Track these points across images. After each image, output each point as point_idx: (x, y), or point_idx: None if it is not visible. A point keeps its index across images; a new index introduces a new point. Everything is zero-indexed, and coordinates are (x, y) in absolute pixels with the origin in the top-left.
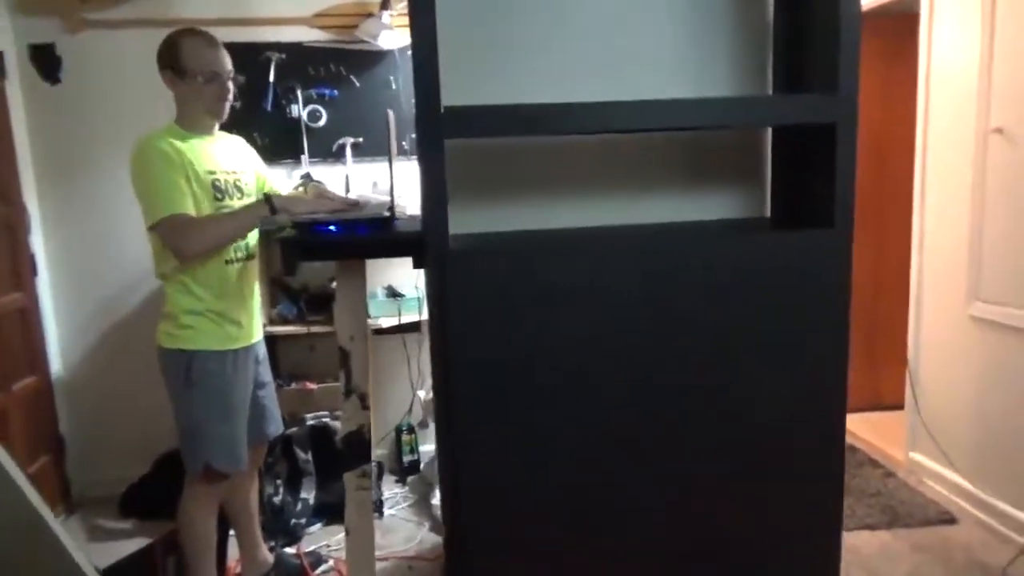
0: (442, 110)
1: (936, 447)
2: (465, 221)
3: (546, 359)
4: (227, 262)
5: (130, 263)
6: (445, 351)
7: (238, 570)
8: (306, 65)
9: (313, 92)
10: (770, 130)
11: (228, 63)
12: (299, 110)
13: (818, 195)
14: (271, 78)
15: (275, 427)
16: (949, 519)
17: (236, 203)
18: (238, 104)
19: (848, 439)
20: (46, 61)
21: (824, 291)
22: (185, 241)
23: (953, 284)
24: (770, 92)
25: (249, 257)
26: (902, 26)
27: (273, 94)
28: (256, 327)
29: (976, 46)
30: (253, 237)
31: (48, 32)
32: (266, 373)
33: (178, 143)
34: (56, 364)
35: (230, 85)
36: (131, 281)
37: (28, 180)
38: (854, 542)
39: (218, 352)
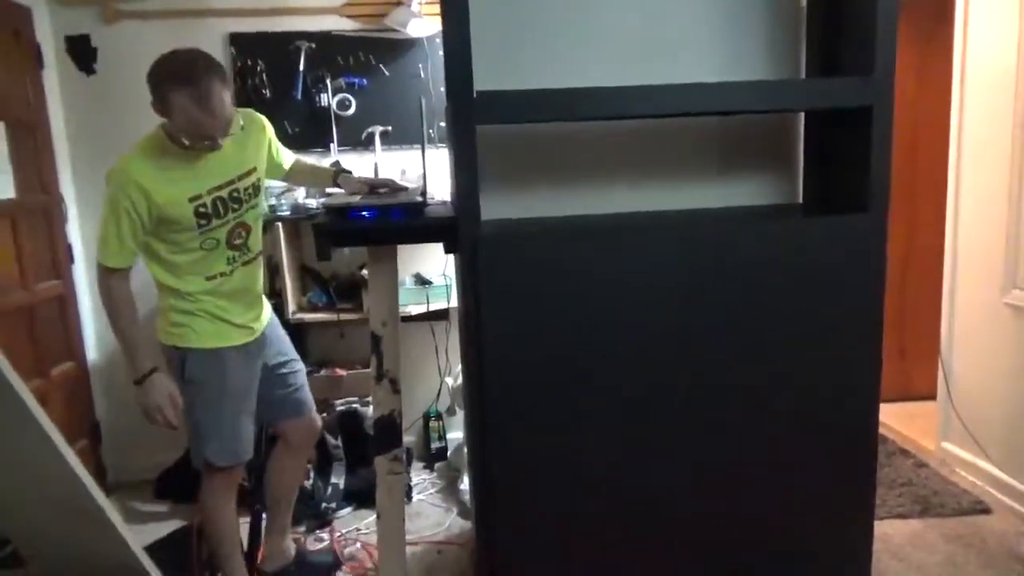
0: (475, 95)
1: (969, 437)
2: (496, 207)
3: (578, 344)
4: (208, 279)
5: None
6: (476, 336)
7: None
8: (335, 54)
9: (342, 81)
10: (802, 115)
11: (222, 123)
12: (328, 99)
13: (851, 180)
14: (301, 67)
15: (294, 408)
16: (983, 509)
17: (231, 216)
18: (267, 92)
19: (879, 430)
20: (82, 52)
21: (858, 276)
22: (100, 293)
23: (989, 272)
24: (803, 76)
25: (248, 262)
26: (935, 9)
27: (303, 83)
28: (259, 321)
29: (1014, 27)
30: (256, 240)
31: (84, 23)
32: (278, 355)
33: (158, 169)
34: (92, 351)
35: (220, 141)
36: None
37: (65, 170)
38: (886, 531)
39: (213, 351)
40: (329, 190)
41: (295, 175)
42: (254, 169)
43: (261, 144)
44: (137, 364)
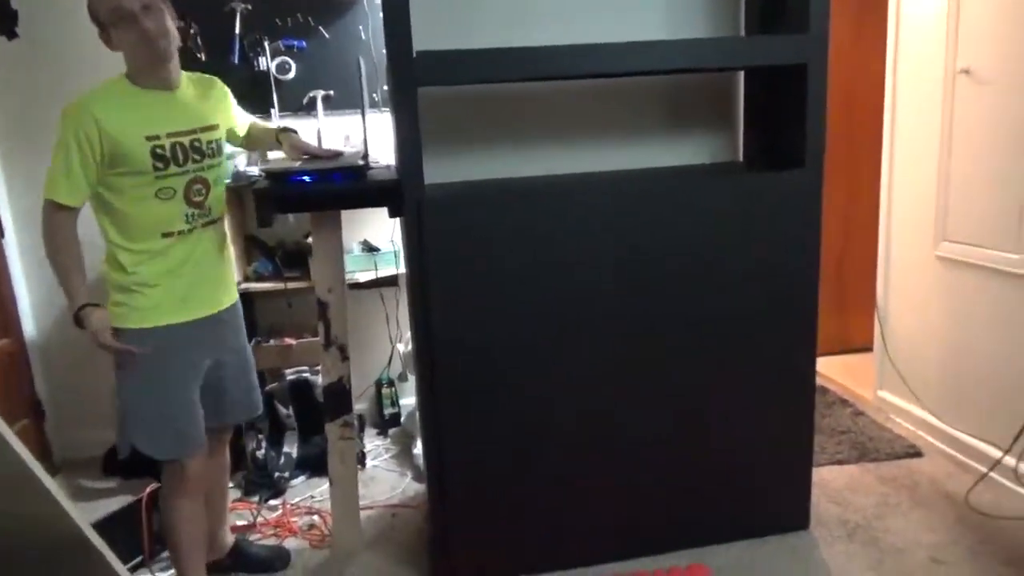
0: (415, 55)
1: (904, 385)
2: (442, 171)
3: (525, 303)
4: (165, 235)
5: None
6: (423, 299)
7: None
8: (273, 16)
9: (281, 44)
10: (742, 75)
11: (163, 21)
12: (267, 63)
13: (788, 137)
14: (237, 30)
15: (239, 412)
16: (915, 452)
17: (192, 167)
18: (202, 56)
19: (819, 381)
20: (2, 15)
21: (796, 229)
22: (44, 234)
23: (921, 225)
24: (743, 35)
25: (209, 223)
26: None
27: (239, 47)
28: (216, 297)
29: None
30: (218, 200)
31: None
32: (228, 351)
33: (114, 105)
34: (29, 327)
35: (147, 22)
36: (100, 242)
37: None
38: (824, 476)
39: (148, 330)
40: (271, 153)
41: (251, 139)
42: (217, 126)
43: (223, 105)
44: (75, 300)
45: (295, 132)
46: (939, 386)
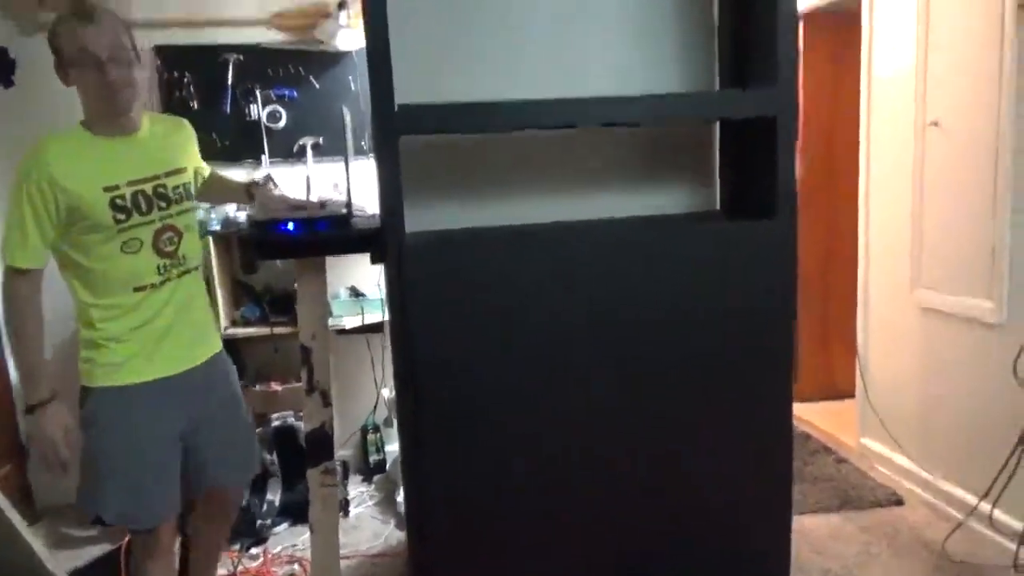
0: (396, 108)
1: (885, 432)
2: (424, 219)
3: (503, 350)
4: (136, 289)
5: None
6: (404, 345)
7: None
8: (265, 66)
9: (272, 93)
10: (718, 125)
11: (102, 35)
12: (258, 111)
13: (761, 187)
14: (229, 80)
15: (233, 473)
16: (897, 500)
17: (158, 215)
18: (194, 104)
19: (803, 427)
20: (0, 64)
21: (770, 279)
22: (2, 299)
23: (898, 272)
24: (717, 88)
25: (184, 272)
26: (849, 23)
27: (232, 96)
28: (191, 353)
29: (912, 42)
30: (193, 247)
31: (1, 35)
32: (212, 406)
33: (67, 157)
34: (15, 373)
35: (112, 72)
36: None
37: None
38: (807, 524)
39: (116, 388)
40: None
41: (209, 189)
42: (184, 170)
43: (188, 148)
44: (33, 387)
45: (264, 184)
46: (918, 433)
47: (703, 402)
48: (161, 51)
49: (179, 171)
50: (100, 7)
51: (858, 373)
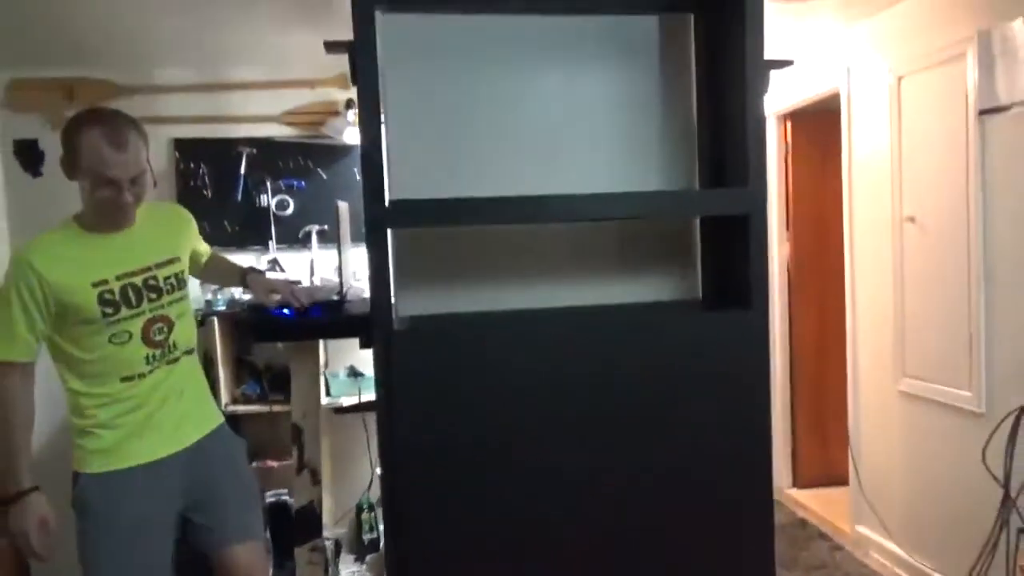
0: (387, 203)
1: (877, 519)
2: (419, 303)
3: (486, 433)
4: (124, 379)
5: None
6: (389, 425)
7: None
8: (276, 159)
9: (282, 183)
10: (699, 219)
11: (129, 165)
12: (268, 199)
13: (737, 279)
14: (242, 170)
15: (229, 543)
16: None
17: (147, 306)
18: (208, 193)
19: (800, 513)
20: (29, 155)
21: (746, 366)
22: None
23: (883, 361)
24: (697, 185)
25: (173, 360)
26: (834, 119)
27: (244, 185)
28: (180, 434)
29: (886, 141)
30: (185, 335)
31: (32, 128)
32: (211, 484)
33: (56, 254)
34: None
35: (126, 195)
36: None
37: (3, 263)
38: None
39: (106, 475)
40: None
41: (209, 271)
42: (177, 259)
43: (185, 236)
44: (13, 479)
45: (262, 272)
46: (906, 520)
47: (681, 487)
48: (179, 143)
49: (171, 261)
50: (130, 128)
51: (851, 460)
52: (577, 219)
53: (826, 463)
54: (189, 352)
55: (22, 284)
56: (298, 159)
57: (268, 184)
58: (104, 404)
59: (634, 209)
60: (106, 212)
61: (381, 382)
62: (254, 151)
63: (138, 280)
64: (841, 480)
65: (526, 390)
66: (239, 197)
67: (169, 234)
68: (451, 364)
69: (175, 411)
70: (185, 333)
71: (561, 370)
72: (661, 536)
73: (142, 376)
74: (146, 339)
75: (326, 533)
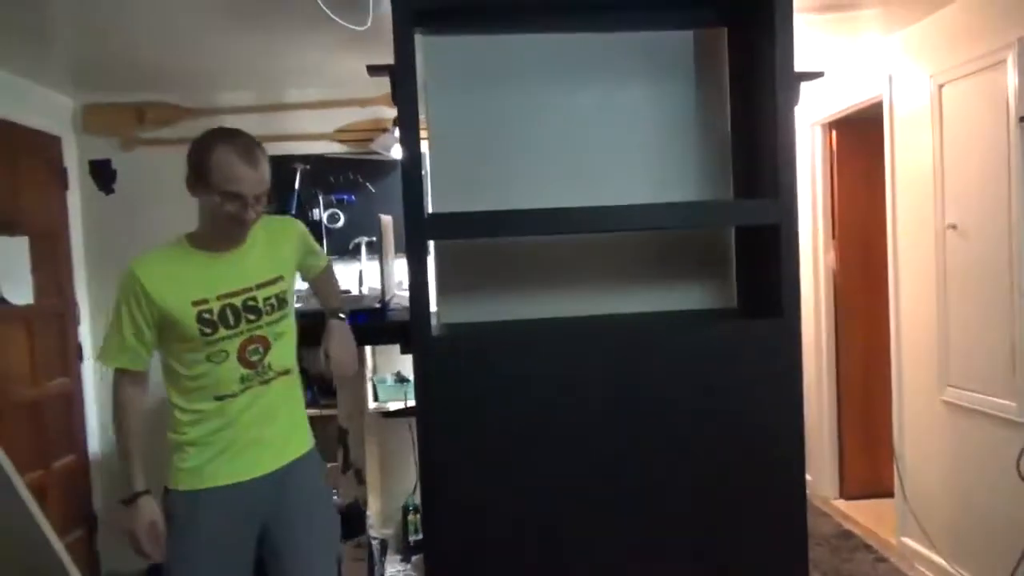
0: (426, 216)
1: (921, 530)
2: (460, 312)
3: (523, 437)
4: (217, 398)
5: None
6: (425, 428)
7: None
8: (327, 174)
9: (333, 197)
10: (733, 229)
11: (259, 182)
12: (320, 213)
13: (772, 286)
14: (296, 186)
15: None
16: None
17: (245, 327)
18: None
19: (846, 524)
20: (103, 174)
21: (778, 374)
22: (112, 397)
23: (927, 371)
24: (731, 196)
25: (266, 381)
26: (879, 125)
27: (297, 200)
28: (263, 459)
29: (928, 149)
30: (282, 356)
31: (106, 150)
32: (289, 512)
33: (161, 271)
34: (94, 444)
35: (250, 212)
36: None
37: (80, 276)
38: None
39: (192, 493)
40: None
41: (316, 285)
42: (280, 278)
43: (292, 250)
44: (129, 480)
45: (343, 320)
46: (950, 531)
47: (715, 496)
48: None
49: (274, 281)
50: (258, 147)
51: (896, 470)
52: (610, 230)
53: (873, 474)
54: (286, 372)
55: (130, 295)
56: (348, 174)
57: (320, 198)
58: (197, 421)
59: (666, 220)
60: (226, 228)
61: (419, 386)
62: (307, 167)
63: (238, 301)
64: (886, 492)
65: (563, 395)
66: (294, 211)
67: (277, 251)
68: (487, 370)
69: (264, 434)
70: (283, 354)
71: (597, 375)
72: (697, 535)
73: (234, 396)
74: (241, 359)
75: (374, 533)
